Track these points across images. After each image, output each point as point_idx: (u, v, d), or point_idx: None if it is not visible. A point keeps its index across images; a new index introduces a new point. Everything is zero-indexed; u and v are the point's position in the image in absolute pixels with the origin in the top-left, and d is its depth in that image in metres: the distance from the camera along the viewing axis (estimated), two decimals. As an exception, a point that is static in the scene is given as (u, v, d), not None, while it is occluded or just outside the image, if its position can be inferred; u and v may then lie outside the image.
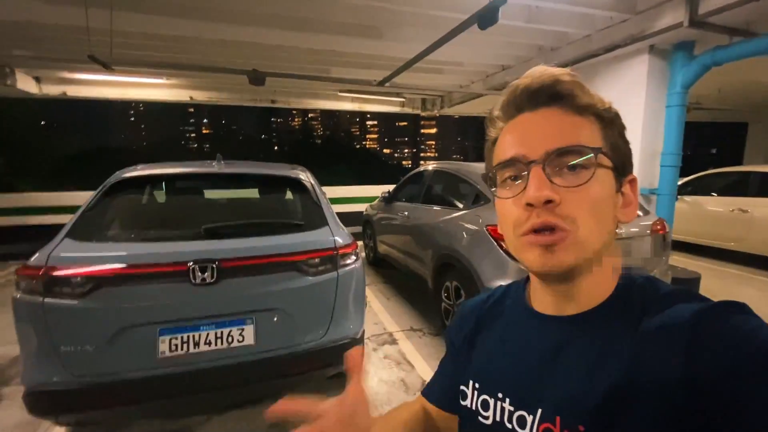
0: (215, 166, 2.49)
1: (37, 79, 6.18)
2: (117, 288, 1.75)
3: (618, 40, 4.18)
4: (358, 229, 6.30)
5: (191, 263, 1.80)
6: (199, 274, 1.81)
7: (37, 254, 1.77)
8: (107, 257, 1.77)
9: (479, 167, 3.61)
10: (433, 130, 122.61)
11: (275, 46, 4.54)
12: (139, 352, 1.76)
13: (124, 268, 1.76)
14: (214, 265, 1.83)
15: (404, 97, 8.06)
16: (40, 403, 1.69)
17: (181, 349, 1.80)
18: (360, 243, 6.28)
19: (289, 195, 2.60)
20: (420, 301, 4.27)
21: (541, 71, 0.48)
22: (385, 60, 5.08)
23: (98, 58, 3.50)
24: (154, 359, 1.76)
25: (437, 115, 8.72)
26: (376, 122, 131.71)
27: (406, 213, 4.44)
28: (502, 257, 2.78)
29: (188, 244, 1.90)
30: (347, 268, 2.17)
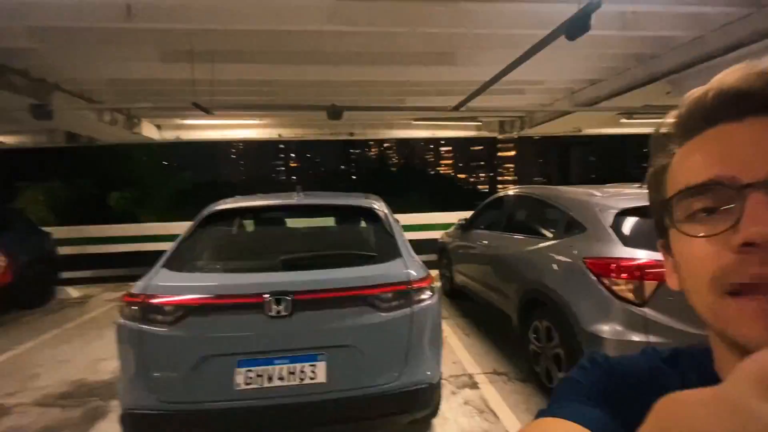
0: (294, 198, 2.56)
1: (158, 127, 7.32)
2: (201, 317, 1.82)
3: (742, 38, 3.53)
4: (434, 257, 6.09)
5: (267, 295, 1.80)
6: (275, 306, 1.80)
7: (138, 282, 1.93)
8: (194, 287, 1.86)
9: (570, 192, 3.23)
10: (512, 153, 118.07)
11: (352, 82, 4.74)
12: (218, 383, 1.78)
13: (207, 298, 1.82)
14: (288, 298, 1.81)
15: (480, 121, 7.82)
16: (132, 424, 1.79)
17: (256, 382, 1.78)
18: (435, 272, 6.08)
19: (362, 224, 2.56)
20: (503, 340, 3.87)
21: (747, 70, 0.35)
22: (461, 85, 4.98)
23: (201, 104, 3.99)
24: (232, 391, 1.77)
25: (516, 137, 8.30)
26: (450, 148, 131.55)
27: (485, 242, 4.14)
28: (604, 296, 2.37)
29: (265, 276, 1.92)
30: (422, 304, 2.01)
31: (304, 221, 2.93)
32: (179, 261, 2.06)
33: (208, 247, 2.24)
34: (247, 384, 1.77)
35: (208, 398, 1.77)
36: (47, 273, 5.73)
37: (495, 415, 2.67)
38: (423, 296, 2.02)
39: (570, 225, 2.92)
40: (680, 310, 2.25)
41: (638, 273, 2.30)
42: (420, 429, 2.50)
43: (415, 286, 2.00)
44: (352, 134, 7.96)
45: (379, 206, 2.53)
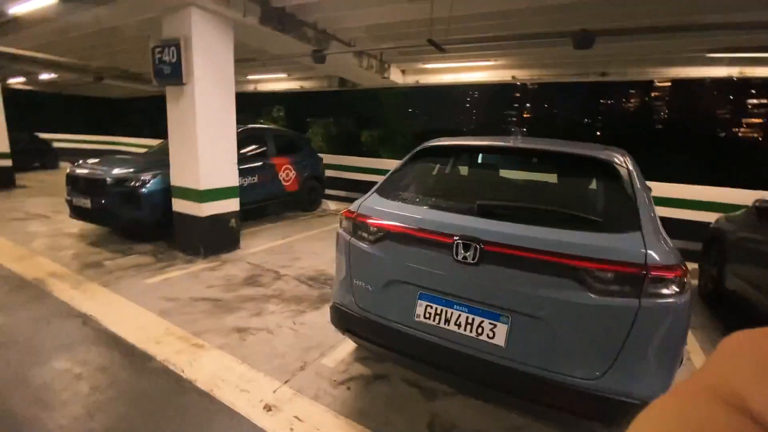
0: (511, 141, 2.26)
1: (403, 72, 8.04)
2: (396, 243, 1.91)
3: None
4: (696, 246, 4.51)
5: (457, 238, 1.70)
6: (462, 251, 1.68)
7: (356, 201, 2.19)
8: (393, 214, 1.95)
9: None
10: None
11: (602, 1, 3.57)
12: (401, 307, 1.87)
13: (401, 226, 1.88)
14: (477, 245, 1.64)
15: None
16: (336, 316, 2.15)
17: (434, 319, 1.78)
18: (693, 266, 4.51)
19: (593, 181, 2.03)
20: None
21: None
22: None
23: (436, 41, 4.01)
24: (411, 319, 1.83)
25: None
26: (765, 100, 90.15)
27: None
28: None
29: (460, 218, 1.80)
30: (660, 300, 1.45)
31: (520, 172, 2.60)
32: (389, 189, 2.20)
33: (415, 181, 2.30)
34: (426, 318, 1.79)
35: (392, 317, 1.89)
36: (318, 188, 7.62)
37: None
38: (663, 290, 1.45)
39: None
40: None
41: None
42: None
43: (653, 273, 1.44)
44: (604, 74, 6.40)
45: (622, 161, 1.92)
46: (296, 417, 2.09)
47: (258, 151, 6.29)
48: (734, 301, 3.44)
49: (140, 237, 5.09)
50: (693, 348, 3.09)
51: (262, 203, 6.40)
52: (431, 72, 7.85)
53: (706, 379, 0.29)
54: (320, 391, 2.31)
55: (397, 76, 7.92)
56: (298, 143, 7.48)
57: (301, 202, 7.22)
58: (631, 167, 1.92)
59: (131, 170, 4.93)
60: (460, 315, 1.72)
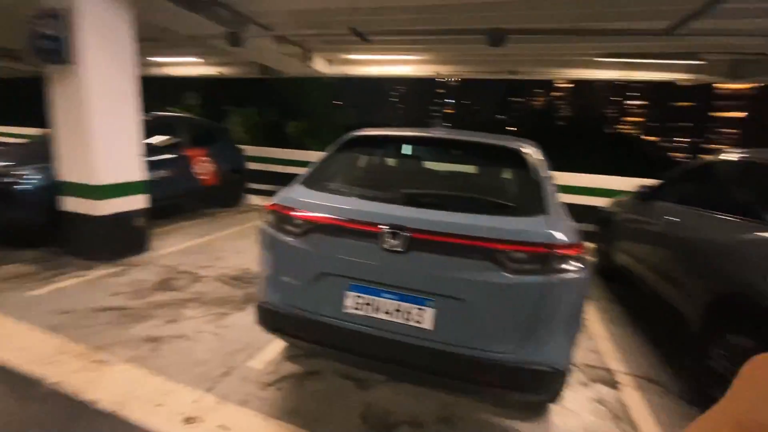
0: (433, 132, 2.33)
1: (329, 62, 7.87)
2: (323, 235, 1.86)
3: None
4: (592, 227, 5.14)
5: (384, 226, 1.70)
6: (389, 239, 1.69)
7: (279, 193, 2.08)
8: (319, 205, 1.89)
9: None
10: (738, 113, 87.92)
11: (524, 2, 3.88)
12: (330, 300, 1.83)
13: (328, 217, 1.83)
14: (404, 234, 1.67)
15: (704, 60, 5.62)
16: (262, 316, 2.04)
17: (364, 309, 1.77)
18: (590, 245, 5.14)
19: (505, 170, 2.18)
20: (665, 343, 3.05)
21: None
22: (676, 2, 3.53)
23: (358, 30, 3.97)
24: (340, 311, 1.80)
25: (757, 83, 5.81)
26: (643, 102, 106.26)
27: (674, 218, 3.16)
28: None
29: (386, 207, 1.81)
30: (563, 275, 1.60)
31: (441, 161, 2.70)
32: (315, 180, 2.13)
33: (342, 171, 2.27)
34: (355, 309, 1.78)
35: (321, 311, 1.85)
36: (240, 182, 7.15)
37: (634, 428, 2.15)
38: (566, 266, 1.61)
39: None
40: None
41: None
42: (533, 409, 2.21)
43: (557, 251, 1.60)
44: (515, 72, 6.96)
45: (530, 151, 2.09)
46: (221, 426, 1.95)
47: (170, 141, 5.70)
48: (622, 273, 3.99)
49: (21, 243, 4.31)
50: (592, 316, 3.53)
51: (177, 199, 5.84)
52: (357, 63, 7.80)
53: (730, 410, 0.27)
54: (248, 396, 2.19)
55: (322, 66, 7.73)
56: (217, 134, 6.94)
57: (222, 198, 6.73)
58: (538, 156, 2.10)
59: (6, 164, 4.15)
60: (389, 303, 1.74)
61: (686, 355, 2.69)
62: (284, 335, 2.04)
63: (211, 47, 6.07)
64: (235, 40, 4.51)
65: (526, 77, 7.19)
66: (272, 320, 1.99)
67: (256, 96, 17.72)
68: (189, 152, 5.90)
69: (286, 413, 2.07)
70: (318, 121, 18.01)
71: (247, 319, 2.97)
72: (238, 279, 3.81)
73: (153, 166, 4.94)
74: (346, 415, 2.10)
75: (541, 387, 1.68)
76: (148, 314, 3.03)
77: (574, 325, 1.73)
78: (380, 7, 4.14)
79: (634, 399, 2.39)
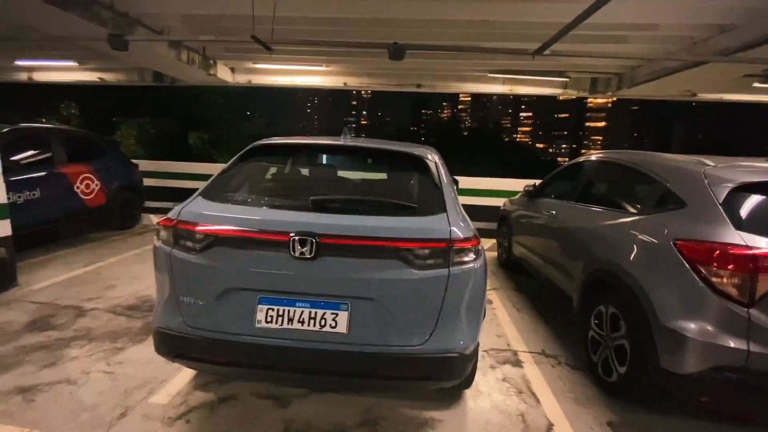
0: (339, 140, 2.38)
1: (232, 70, 7.52)
2: (227, 249, 1.77)
3: None
4: (494, 225, 5.66)
5: (292, 234, 1.68)
6: (299, 247, 1.67)
7: (175, 207, 1.93)
8: (222, 217, 1.80)
9: (671, 159, 2.64)
10: (601, 123, 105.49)
11: (419, 21, 4.23)
12: (240, 316, 1.74)
13: (233, 229, 1.75)
14: (313, 240, 1.67)
15: (568, 77, 6.76)
16: (161, 342, 1.85)
17: (277, 321, 1.72)
18: (492, 241, 5.66)
19: (408, 174, 2.31)
20: (558, 321, 3.50)
21: None
22: (544, 27, 4.19)
23: (260, 38, 3.90)
24: (252, 326, 1.72)
25: (609, 103, 7.14)
26: (530, 113, 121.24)
27: (553, 212, 3.66)
28: (697, 288, 1.91)
29: (293, 215, 1.79)
30: (463, 267, 1.75)
31: (348, 168, 2.76)
32: (216, 191, 2.02)
33: (245, 181, 2.18)
34: (267, 322, 1.72)
35: (230, 329, 1.75)
36: (134, 200, 6.39)
37: (535, 398, 2.42)
38: (465, 258, 1.76)
39: (665, 199, 2.39)
40: (806, 319, 1.73)
41: (751, 265, 1.79)
42: (449, 397, 2.35)
43: (456, 245, 1.74)
44: (419, 86, 7.44)
45: (430, 157, 2.25)
46: (117, 475, 1.71)
47: (39, 157, 4.88)
48: (520, 264, 4.47)
49: None
50: (496, 304, 3.88)
51: (52, 224, 5.01)
52: (263, 72, 7.58)
53: None
54: (150, 435, 1.96)
55: (225, 74, 7.34)
56: (103, 147, 6.11)
57: (113, 219, 5.95)
58: (438, 161, 2.27)
59: None
60: (303, 311, 1.71)
61: (572, 329, 3.12)
62: (189, 361, 1.87)
63: (87, 50, 5.38)
64: (118, 43, 4.04)
65: (429, 90, 7.72)
66: (172, 346, 1.81)
67: (152, 105, 16.05)
68: (66, 169, 5.11)
69: (197, 446, 1.90)
70: (226, 132, 16.96)
71: (146, 351, 2.67)
72: (135, 308, 3.40)
73: (16, 186, 4.20)
74: (265, 435, 2.00)
75: (452, 373, 1.80)
76: (17, 361, 2.54)
77: (477, 311, 1.89)
78: (280, 16, 4.11)
79: (533, 373, 2.69)
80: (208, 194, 1.99)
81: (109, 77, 8.10)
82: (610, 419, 2.25)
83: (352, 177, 2.56)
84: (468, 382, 2.32)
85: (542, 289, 3.95)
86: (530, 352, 2.97)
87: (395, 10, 4.06)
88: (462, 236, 1.76)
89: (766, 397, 1.82)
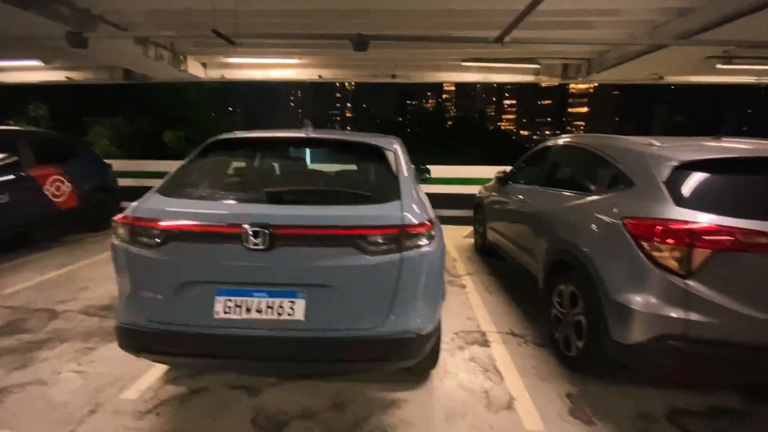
0: (302, 133, 2.40)
1: (204, 65, 7.40)
2: (184, 243, 1.80)
3: None
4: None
5: (246, 226, 1.72)
6: (252, 238, 1.71)
7: (131, 204, 1.94)
8: (177, 212, 1.82)
9: (623, 141, 2.73)
10: (584, 109, 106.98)
11: (382, 11, 4.23)
12: (199, 308, 1.78)
13: (188, 224, 1.78)
14: (267, 231, 1.71)
15: (539, 63, 6.84)
16: (124, 338, 1.88)
17: (235, 312, 1.76)
18: (470, 229, 5.75)
19: (366, 164, 2.36)
20: (527, 302, 3.61)
21: None
22: (504, 15, 4.24)
23: (221, 33, 3.86)
24: (211, 318, 1.76)
25: (592, 83, 7.25)
26: (515, 101, 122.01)
27: (521, 197, 3.75)
28: (641, 263, 2.02)
29: (247, 207, 1.83)
30: (416, 251, 1.82)
31: (308, 164, 2.79)
32: (173, 187, 2.04)
33: (202, 176, 2.20)
34: (226, 313, 1.76)
35: (190, 322, 1.78)
36: (109, 201, 6.30)
37: (500, 375, 2.52)
38: (418, 242, 1.82)
39: (616, 179, 2.49)
40: (733, 286, 1.85)
41: (688, 239, 1.89)
42: (417, 378, 2.43)
43: (409, 230, 1.80)
44: (394, 76, 7.44)
45: (390, 147, 2.29)
46: (85, 468, 1.75)
47: (6, 161, 4.77)
48: (494, 249, 4.58)
49: None
50: (469, 288, 3.98)
51: (22, 228, 4.92)
52: (236, 67, 7.47)
53: None
54: (120, 428, 2.00)
55: (197, 70, 7.22)
56: (73, 148, 5.99)
57: (87, 221, 5.86)
58: (398, 151, 2.32)
59: None
60: (260, 301, 1.76)
61: (539, 309, 3.24)
62: (152, 354, 1.91)
63: (52, 49, 5.25)
64: (77, 41, 3.94)
65: (405, 80, 7.73)
66: (136, 341, 1.85)
67: (125, 104, 15.65)
68: (35, 172, 5.01)
69: (167, 435, 1.95)
70: (203, 128, 16.66)
71: (119, 350, 2.66)
72: (108, 309, 3.40)
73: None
74: (235, 423, 2.05)
75: (410, 353, 1.88)
76: (-15, 365, 2.53)
77: (433, 292, 1.96)
78: (245, 9, 4.07)
79: (500, 352, 2.79)
80: (165, 191, 2.01)
81: (76, 76, 7.89)
82: (569, 391, 2.37)
83: (310, 169, 2.59)
84: (433, 362, 2.41)
85: (514, 273, 4.06)
86: (498, 333, 3.08)
87: (359, 1, 4.06)
88: (415, 222, 1.82)
89: (703, 362, 1.94)
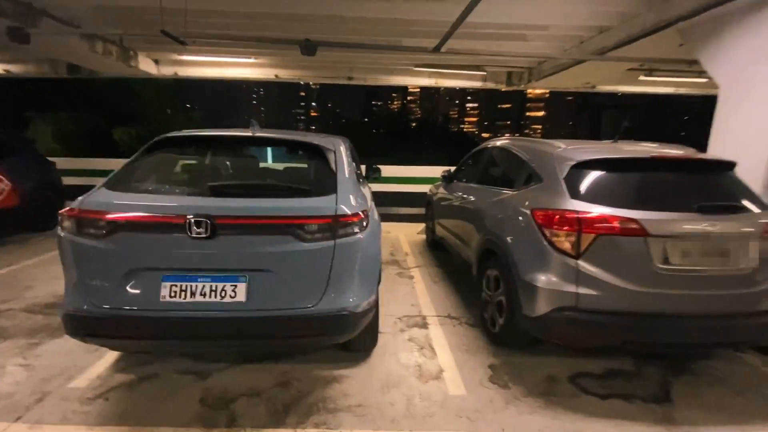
0: (248, 132, 2.57)
1: (156, 62, 7.26)
2: (130, 233, 1.93)
3: (761, -21, 3.14)
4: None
5: (190, 216, 1.88)
6: (195, 228, 1.88)
7: (77, 199, 2.04)
8: (123, 205, 1.95)
9: (538, 143, 3.12)
10: (541, 113, 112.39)
11: (331, 17, 4.45)
12: (146, 293, 1.92)
13: (134, 216, 1.92)
14: (208, 221, 1.88)
15: (485, 71, 7.36)
16: (71, 324, 1.98)
17: (180, 296, 1.92)
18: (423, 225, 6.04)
19: (309, 161, 2.57)
20: (467, 291, 3.96)
21: None
22: (443, 26, 4.61)
23: (170, 33, 3.91)
24: (157, 302, 1.91)
25: (524, 88, 7.85)
26: (477, 104, 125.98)
27: (460, 193, 4.10)
28: (544, 247, 2.37)
29: (190, 199, 1.99)
30: (348, 238, 2.06)
31: (251, 161, 2.94)
32: (120, 182, 2.16)
33: (149, 172, 2.32)
34: (172, 297, 1.91)
35: (136, 306, 1.92)
36: (52, 200, 6.06)
37: (433, 351, 2.81)
38: (350, 231, 2.06)
39: (530, 176, 2.86)
40: (612, 264, 2.24)
41: (577, 225, 2.27)
42: (358, 357, 2.67)
43: (341, 220, 2.04)
44: (350, 78, 7.68)
45: (332, 146, 2.51)
46: (33, 448, 1.84)
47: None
48: (442, 244, 4.91)
49: None
50: (416, 278, 4.29)
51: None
52: (190, 64, 7.39)
53: None
54: (68, 413, 2.08)
55: (148, 66, 7.08)
56: (13, 145, 5.73)
57: (29, 220, 5.63)
58: (340, 150, 2.54)
59: None
60: (204, 285, 1.93)
61: (474, 294, 3.58)
62: (100, 338, 2.02)
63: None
64: (20, 36, 3.83)
65: (361, 83, 7.99)
66: (82, 327, 1.95)
67: (71, 99, 14.79)
68: (-32, 169, 4.78)
69: (116, 417, 2.06)
70: (157, 126, 16.06)
71: (66, 344, 2.72)
72: (53, 306, 3.38)
73: None
74: (183, 403, 2.19)
75: (345, 328, 2.11)
76: None
77: (367, 274, 2.20)
78: (193, 9, 4.13)
79: (436, 333, 3.10)
80: (111, 185, 2.13)
81: (16, 69, 7.47)
82: (492, 363, 2.70)
83: (255, 166, 2.77)
84: (373, 339, 2.66)
85: (458, 265, 4.41)
86: (438, 316, 3.39)
87: (309, 6, 4.25)
88: (348, 212, 2.06)
89: (591, 328, 2.32)
